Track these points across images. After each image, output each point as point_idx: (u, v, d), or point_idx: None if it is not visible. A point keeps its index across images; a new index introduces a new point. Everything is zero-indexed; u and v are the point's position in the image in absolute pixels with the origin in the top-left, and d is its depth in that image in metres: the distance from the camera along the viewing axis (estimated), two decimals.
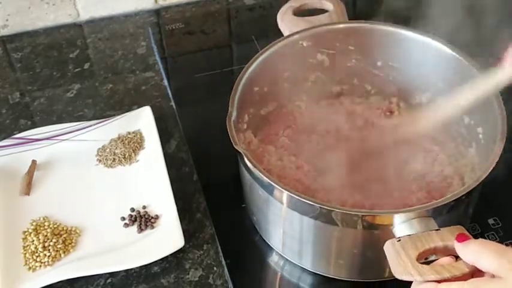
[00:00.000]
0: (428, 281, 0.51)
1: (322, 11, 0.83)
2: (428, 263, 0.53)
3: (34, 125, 0.88)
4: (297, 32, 0.77)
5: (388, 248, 0.55)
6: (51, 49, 1.01)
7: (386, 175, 0.71)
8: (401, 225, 0.57)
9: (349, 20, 0.81)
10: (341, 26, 0.79)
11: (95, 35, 1.03)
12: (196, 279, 0.70)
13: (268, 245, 0.71)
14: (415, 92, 0.79)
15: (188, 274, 0.70)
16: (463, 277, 0.50)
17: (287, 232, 0.66)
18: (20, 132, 0.86)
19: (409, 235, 0.55)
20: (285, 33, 0.81)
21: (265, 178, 0.61)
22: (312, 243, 0.65)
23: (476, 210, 0.68)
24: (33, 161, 0.80)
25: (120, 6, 1.06)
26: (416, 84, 0.78)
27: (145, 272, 0.70)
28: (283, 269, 0.70)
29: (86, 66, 0.98)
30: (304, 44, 0.77)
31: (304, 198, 0.59)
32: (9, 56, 1.01)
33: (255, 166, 0.62)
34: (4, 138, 0.84)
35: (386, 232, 0.58)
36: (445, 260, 0.52)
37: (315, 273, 0.68)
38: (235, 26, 1.06)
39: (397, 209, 0.66)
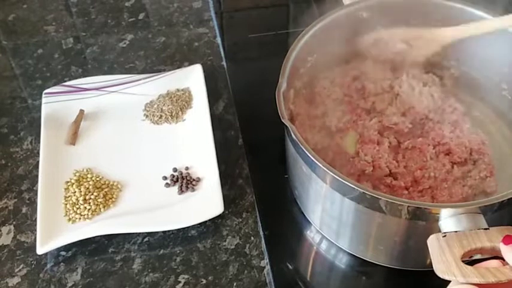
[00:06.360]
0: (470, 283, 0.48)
1: None
2: (471, 261, 0.51)
3: (85, 73, 0.88)
4: (358, 2, 0.74)
5: (433, 242, 0.53)
6: None
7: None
8: (448, 219, 0.55)
9: None
10: None
11: None
12: (233, 247, 0.69)
13: (307, 219, 0.70)
14: (477, 72, 0.76)
15: (225, 241, 0.70)
16: (509, 283, 0.48)
17: (327, 211, 0.65)
18: (70, 79, 0.86)
19: (455, 231, 0.53)
20: (345, 1, 0.77)
21: (309, 155, 0.60)
22: (352, 226, 0.63)
23: None
24: (81, 111, 0.80)
25: None
26: (478, 65, 0.75)
27: (182, 234, 0.70)
28: (320, 245, 0.69)
29: (141, 16, 0.97)
30: (364, 15, 0.74)
31: (346, 180, 0.57)
32: None
33: (300, 142, 0.60)
34: (54, 85, 0.84)
35: (431, 224, 0.56)
36: (493, 263, 0.49)
37: (351, 253, 0.67)
38: None
39: (446, 203, 0.63)
